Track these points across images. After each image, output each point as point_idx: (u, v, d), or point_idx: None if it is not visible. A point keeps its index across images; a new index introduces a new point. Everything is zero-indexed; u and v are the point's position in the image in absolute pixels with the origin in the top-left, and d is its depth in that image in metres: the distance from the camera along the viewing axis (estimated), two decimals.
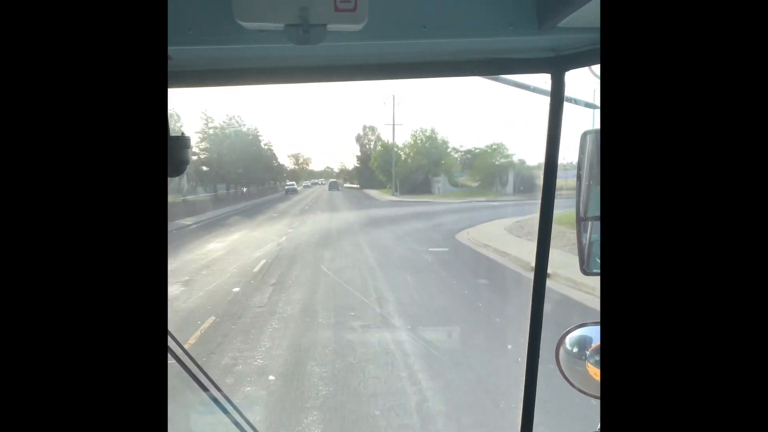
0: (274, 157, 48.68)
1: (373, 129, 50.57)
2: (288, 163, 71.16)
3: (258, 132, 42.54)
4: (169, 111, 0.93)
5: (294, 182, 52.66)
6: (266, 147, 42.16)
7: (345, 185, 63.60)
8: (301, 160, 78.21)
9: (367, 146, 50.83)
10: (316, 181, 68.62)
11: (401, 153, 39.03)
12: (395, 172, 36.66)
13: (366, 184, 51.72)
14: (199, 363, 1.21)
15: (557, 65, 1.07)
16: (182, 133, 1.03)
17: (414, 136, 37.98)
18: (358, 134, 51.12)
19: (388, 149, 40.86)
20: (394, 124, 39.63)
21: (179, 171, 1.02)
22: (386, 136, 50.32)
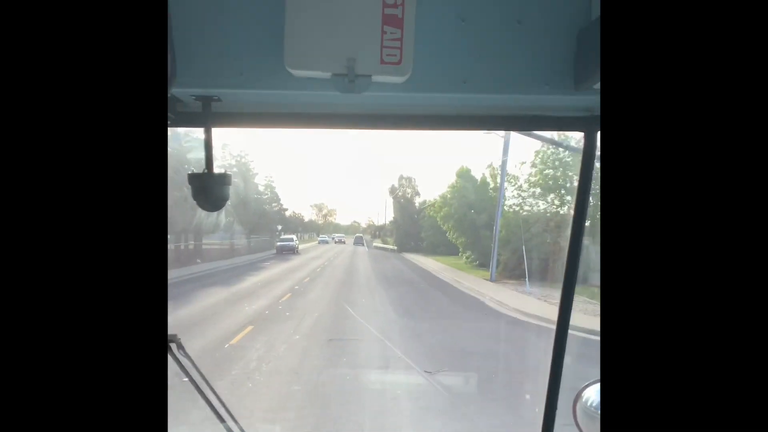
0: (274, 199, 34.64)
1: (410, 180, 42.51)
2: (310, 214, 62.99)
3: (248, 160, 27.98)
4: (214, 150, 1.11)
5: (294, 236, 33.23)
6: (264, 185, 31.56)
7: (374, 244, 46.93)
8: (324, 211, 71.76)
9: (402, 199, 42.46)
10: (336, 236, 49.81)
11: (498, 183, 18.44)
12: (501, 229, 15.94)
13: (407, 246, 37.83)
14: (218, 393, 1.25)
15: (590, 125, 1.11)
16: (224, 171, 1.10)
17: (542, 152, 17.31)
18: (393, 186, 43.45)
19: (470, 181, 20.78)
20: None
21: (217, 206, 1.09)
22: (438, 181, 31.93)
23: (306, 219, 64.94)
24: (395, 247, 39.97)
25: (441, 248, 34.55)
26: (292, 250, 29.84)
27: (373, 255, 32.55)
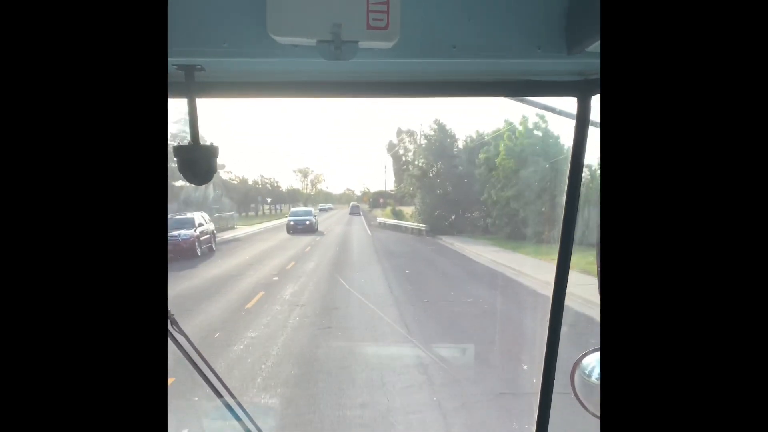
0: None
1: (411, 133, 33.42)
2: (293, 181, 54.26)
3: None
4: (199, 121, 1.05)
5: (200, 214, 14.30)
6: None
7: (379, 219, 30.44)
8: (311, 177, 61.11)
9: (404, 157, 32.94)
10: (296, 213, 28.24)
11: None
12: None
13: (444, 223, 21.53)
14: (215, 370, 1.22)
15: (584, 89, 1.08)
16: (210, 143, 1.04)
17: None
18: (390, 142, 34.49)
19: None
20: None
21: (206, 179, 1.05)
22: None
23: (284, 188, 49.81)
24: (423, 226, 21.80)
25: (536, 229, 16.15)
26: (192, 252, 11.48)
27: (389, 257, 13.99)
